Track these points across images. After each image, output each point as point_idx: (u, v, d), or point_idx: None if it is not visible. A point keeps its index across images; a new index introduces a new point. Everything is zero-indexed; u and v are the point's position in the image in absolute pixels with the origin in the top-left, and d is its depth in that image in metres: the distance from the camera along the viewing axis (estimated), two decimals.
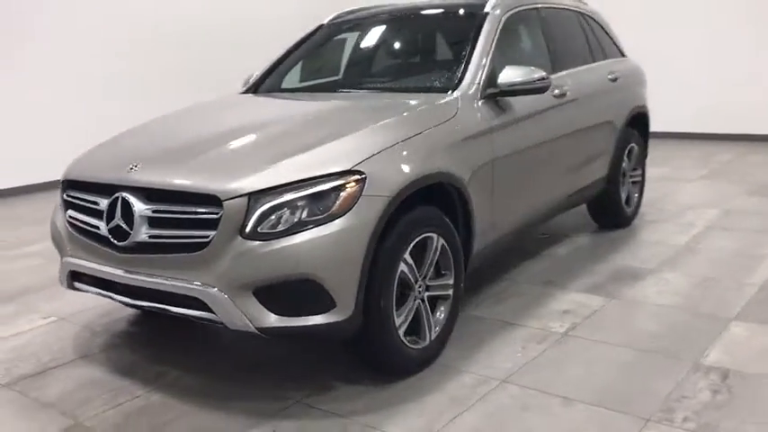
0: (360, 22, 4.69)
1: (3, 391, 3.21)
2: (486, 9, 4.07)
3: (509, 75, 3.66)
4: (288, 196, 2.74)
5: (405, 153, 3.06)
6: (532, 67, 3.69)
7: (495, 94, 3.68)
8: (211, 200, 2.75)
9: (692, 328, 3.56)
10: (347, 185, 2.79)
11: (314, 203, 2.75)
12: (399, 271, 2.98)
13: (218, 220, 2.73)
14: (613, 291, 4.09)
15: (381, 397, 2.99)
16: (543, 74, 3.69)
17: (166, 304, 2.92)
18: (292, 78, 4.66)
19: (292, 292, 2.74)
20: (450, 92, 3.59)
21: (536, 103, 4.00)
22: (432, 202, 3.22)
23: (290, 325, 2.77)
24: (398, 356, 3.06)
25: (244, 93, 4.47)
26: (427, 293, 3.20)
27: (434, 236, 3.17)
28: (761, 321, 3.59)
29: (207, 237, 2.76)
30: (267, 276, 2.71)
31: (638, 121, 5.44)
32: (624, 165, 5.23)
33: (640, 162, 5.54)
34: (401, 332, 3.03)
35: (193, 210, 2.80)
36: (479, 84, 3.66)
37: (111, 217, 2.99)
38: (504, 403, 2.90)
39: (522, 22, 4.38)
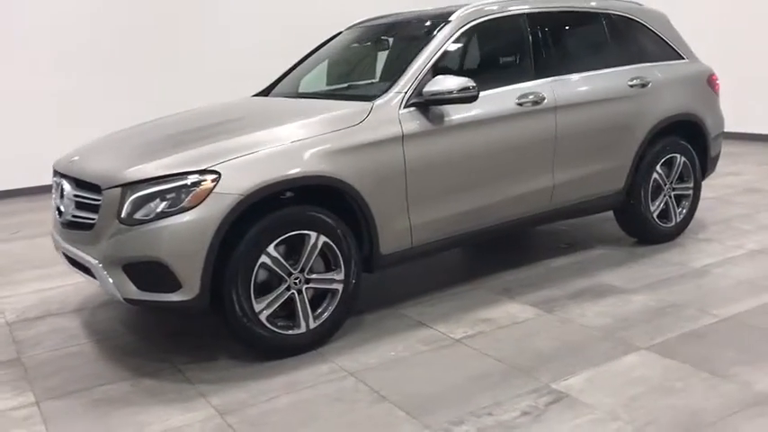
0: (365, 30, 4.97)
1: (1, 328, 4.13)
2: (451, 18, 4.15)
3: (435, 84, 3.77)
4: (153, 189, 3.23)
5: (276, 156, 3.38)
6: (464, 77, 3.76)
7: (422, 104, 3.80)
8: (96, 188, 3.35)
9: (587, 351, 3.41)
10: (202, 183, 3.21)
11: (173, 197, 3.21)
12: (260, 262, 3.32)
13: (100, 205, 3.32)
14: (558, 306, 3.97)
15: (240, 373, 3.38)
16: (468, 84, 3.74)
17: (83, 272, 3.59)
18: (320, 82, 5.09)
19: (149, 271, 3.24)
20: (374, 99, 3.79)
21: (487, 111, 4.02)
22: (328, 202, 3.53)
23: (147, 299, 3.28)
24: (260, 339, 3.41)
25: (255, 95, 5.00)
26: (307, 286, 3.50)
27: (312, 234, 3.45)
28: (670, 354, 3.32)
29: (94, 219, 3.37)
30: (130, 256, 3.24)
31: (686, 129, 5.03)
32: (656, 176, 4.88)
33: (691, 174, 5.09)
34: (263, 317, 3.37)
35: (88, 196, 3.43)
36: (407, 92, 3.80)
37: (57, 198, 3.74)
38: (325, 393, 3.13)
39: (496, 30, 4.36)
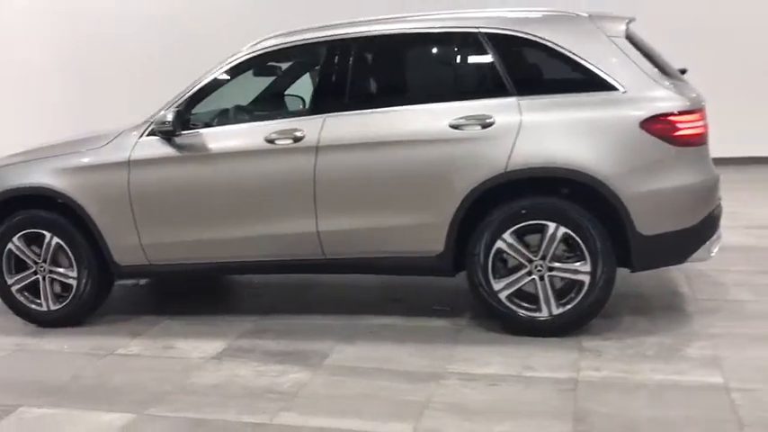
0: None
1: None
2: (244, 48, 4.18)
3: (160, 116, 4.04)
4: None
5: (26, 167, 4.34)
6: (170, 113, 3.96)
7: (154, 132, 4.09)
8: None
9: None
10: None
11: None
12: (8, 249, 4.35)
13: None
14: (233, 356, 3.78)
15: None
16: (165, 119, 3.91)
17: None
18: None
19: None
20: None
21: (226, 146, 4.00)
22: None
23: None
24: None
25: None
26: (50, 276, 4.35)
27: (47, 234, 4.27)
28: None
29: None
30: None
31: (582, 191, 3.62)
32: (504, 246, 3.70)
33: (585, 254, 3.63)
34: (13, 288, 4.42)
35: None
36: (148, 121, 4.15)
37: None
38: None
39: (282, 61, 4.12)
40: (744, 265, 4.75)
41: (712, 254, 3.76)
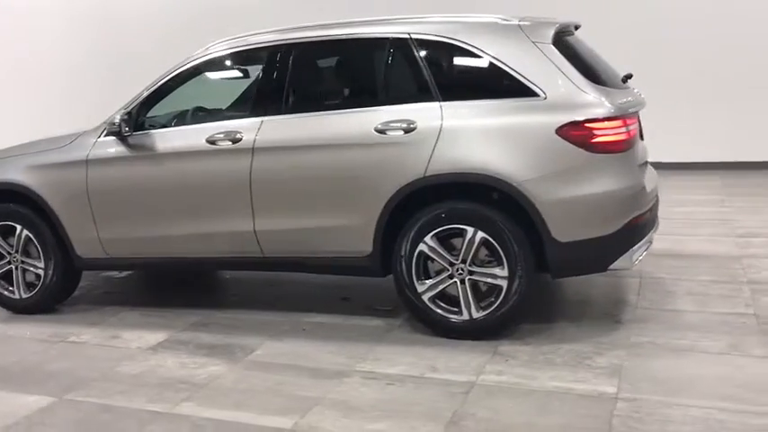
0: None
1: None
2: (197, 52, 4.36)
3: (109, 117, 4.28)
4: None
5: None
6: (118, 115, 4.20)
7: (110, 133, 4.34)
8: None
9: None
10: None
11: None
12: None
13: None
14: (172, 348, 3.97)
15: None
16: (113, 120, 4.15)
17: None
18: None
19: None
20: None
21: (172, 146, 4.19)
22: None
23: None
24: None
25: None
26: (23, 266, 4.66)
27: (17, 226, 4.58)
28: None
29: None
30: None
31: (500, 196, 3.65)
32: (426, 249, 3.75)
33: (503, 259, 3.64)
34: None
35: None
36: (107, 122, 4.39)
37: None
38: None
39: (229, 65, 4.29)
40: (707, 275, 4.63)
41: (636, 262, 3.71)
